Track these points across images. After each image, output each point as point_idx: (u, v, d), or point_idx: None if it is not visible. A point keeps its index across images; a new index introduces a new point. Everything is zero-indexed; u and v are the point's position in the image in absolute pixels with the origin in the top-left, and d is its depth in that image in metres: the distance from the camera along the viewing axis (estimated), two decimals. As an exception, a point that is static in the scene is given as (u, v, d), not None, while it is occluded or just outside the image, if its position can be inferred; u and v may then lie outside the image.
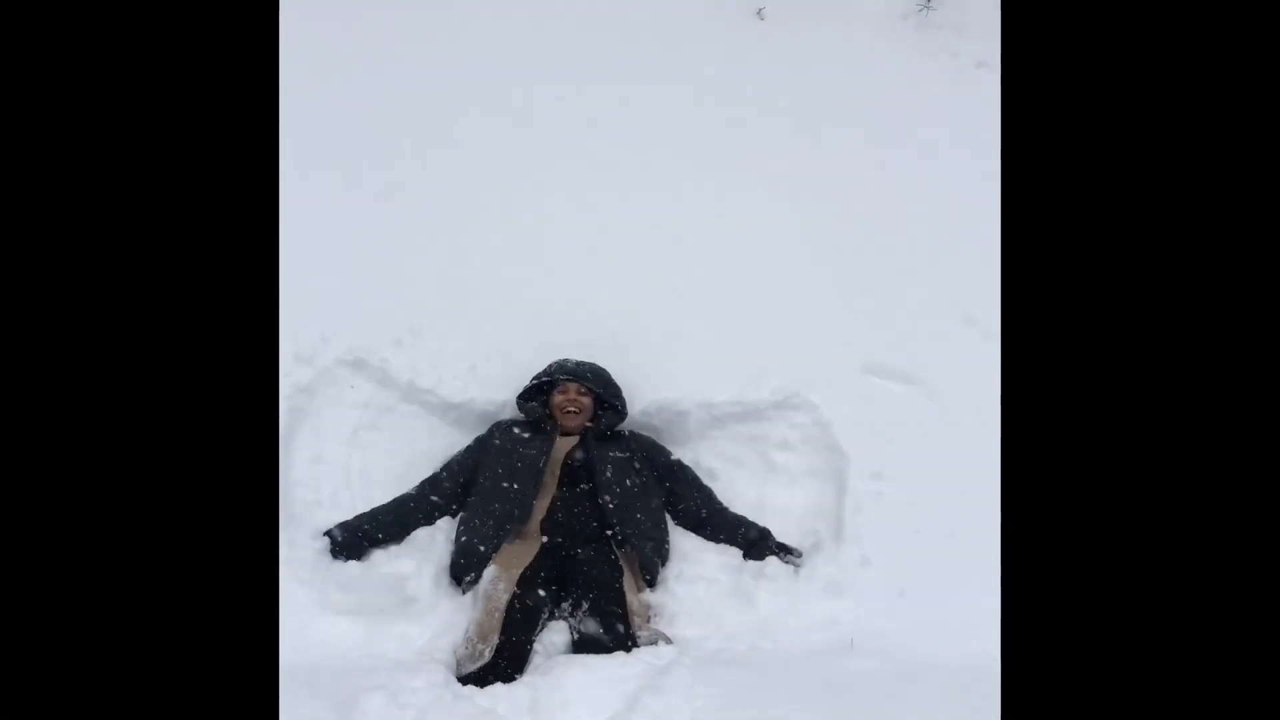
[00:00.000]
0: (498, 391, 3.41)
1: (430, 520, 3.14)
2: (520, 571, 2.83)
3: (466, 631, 2.73)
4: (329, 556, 2.96)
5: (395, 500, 3.15)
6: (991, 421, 3.35)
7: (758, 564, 3.04)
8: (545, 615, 2.81)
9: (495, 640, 2.65)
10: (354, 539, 3.01)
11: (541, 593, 2.82)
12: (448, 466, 3.23)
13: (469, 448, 3.27)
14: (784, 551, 3.09)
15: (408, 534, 3.10)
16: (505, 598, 2.76)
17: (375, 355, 3.43)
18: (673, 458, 3.32)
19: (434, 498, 3.15)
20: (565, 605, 2.84)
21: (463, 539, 2.99)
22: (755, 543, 3.12)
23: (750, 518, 3.21)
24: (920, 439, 3.36)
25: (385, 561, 2.96)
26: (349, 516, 3.10)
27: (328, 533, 3.01)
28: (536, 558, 2.89)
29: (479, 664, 2.60)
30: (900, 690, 2.44)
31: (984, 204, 3.87)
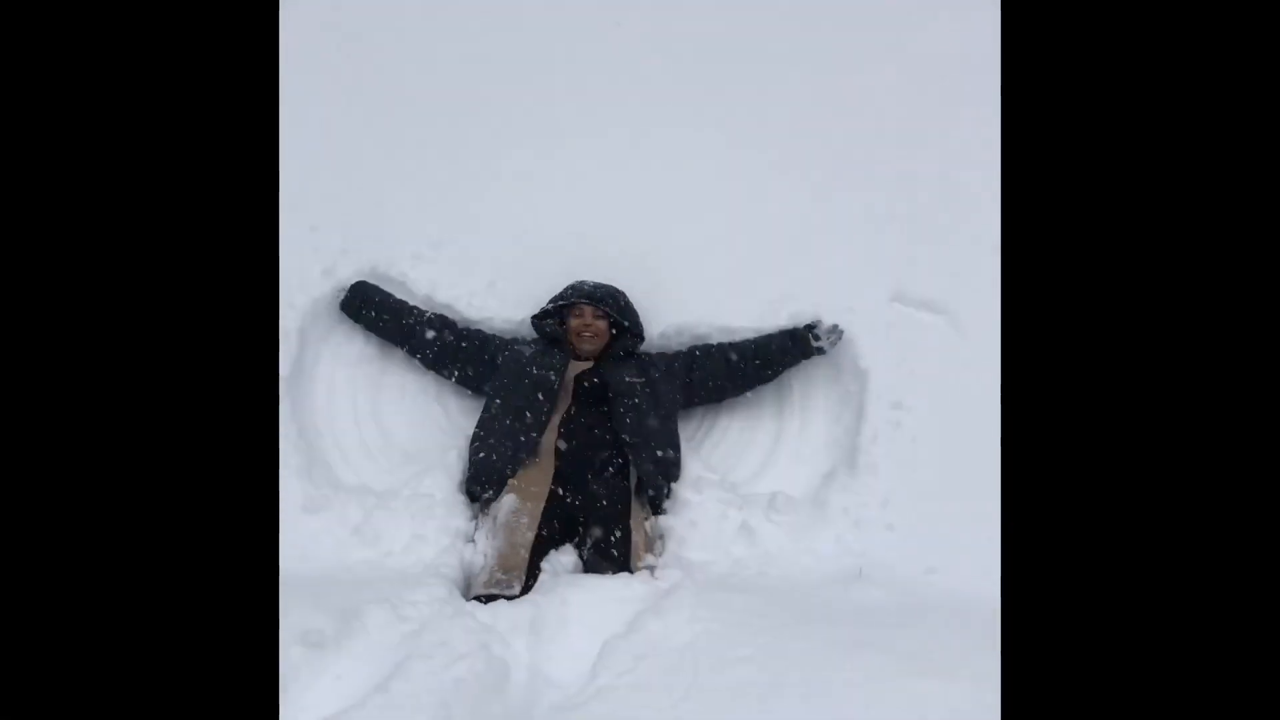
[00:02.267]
0: (516, 309, 3.38)
1: (417, 351, 3.26)
2: (541, 505, 2.84)
3: (487, 558, 2.76)
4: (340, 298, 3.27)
5: (406, 308, 3.28)
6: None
7: (766, 499, 2.99)
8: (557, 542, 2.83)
9: (521, 576, 2.67)
10: (362, 304, 3.25)
11: (557, 524, 2.84)
12: (465, 334, 3.26)
13: (489, 337, 3.28)
14: (828, 334, 3.26)
15: (390, 342, 3.30)
16: (530, 536, 2.77)
17: (394, 269, 3.40)
18: (687, 352, 3.30)
19: (436, 348, 3.23)
20: (574, 538, 2.84)
21: (480, 455, 2.99)
22: (805, 339, 3.26)
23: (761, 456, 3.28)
24: (944, 369, 3.28)
25: (395, 474, 2.97)
26: (358, 429, 3.14)
27: (356, 284, 3.28)
28: (552, 487, 2.89)
29: (504, 593, 2.61)
30: (906, 621, 2.41)
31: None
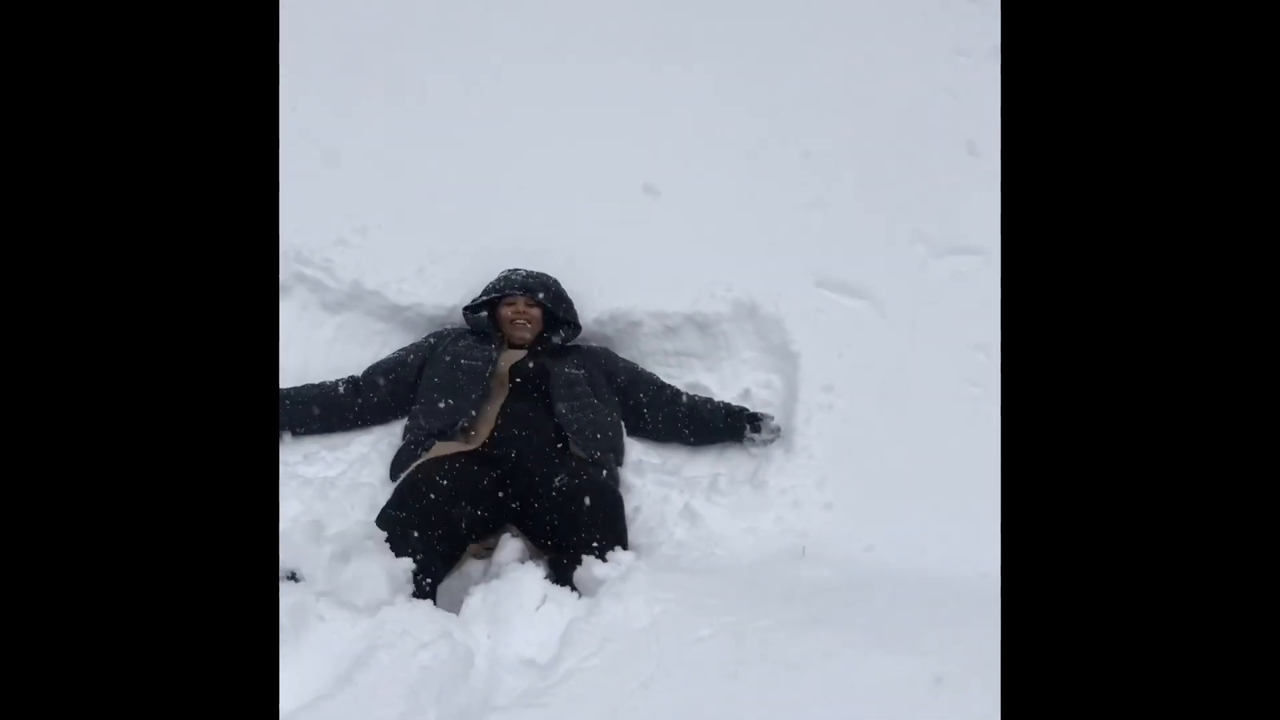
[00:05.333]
0: (446, 296, 3.33)
1: (364, 423, 3.08)
2: (438, 455, 2.72)
3: None
4: None
5: (313, 388, 3.05)
6: (939, 336, 3.43)
7: (707, 481, 3.01)
8: (482, 526, 2.69)
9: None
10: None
11: (477, 509, 2.66)
12: (382, 368, 3.12)
13: (410, 350, 3.18)
14: (770, 431, 3.12)
15: (331, 430, 3.05)
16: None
17: (318, 255, 3.31)
18: (635, 365, 3.30)
19: (372, 397, 3.07)
20: (529, 522, 2.73)
21: (406, 439, 2.95)
22: (742, 426, 3.14)
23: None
24: (870, 353, 3.37)
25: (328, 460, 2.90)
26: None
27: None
28: (470, 458, 2.76)
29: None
30: (854, 597, 2.47)
31: (944, 118, 3.88)
